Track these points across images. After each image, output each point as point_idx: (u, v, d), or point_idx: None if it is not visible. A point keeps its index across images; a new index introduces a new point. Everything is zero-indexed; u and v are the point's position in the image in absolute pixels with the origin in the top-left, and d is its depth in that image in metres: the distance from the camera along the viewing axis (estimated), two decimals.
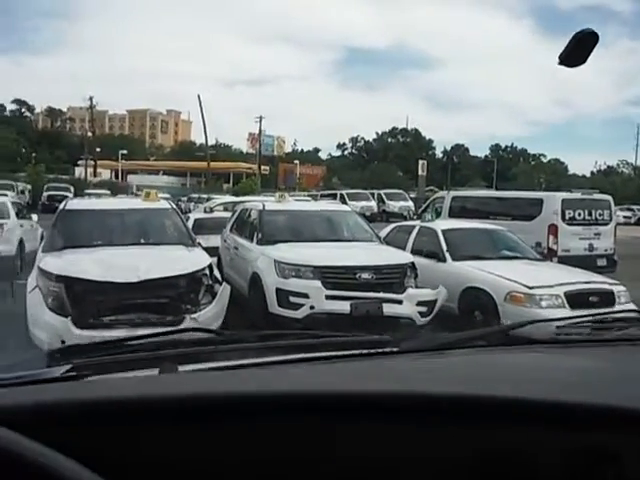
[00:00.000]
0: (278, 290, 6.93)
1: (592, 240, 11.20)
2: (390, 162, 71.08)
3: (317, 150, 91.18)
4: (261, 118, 62.04)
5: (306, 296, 6.80)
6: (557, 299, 6.97)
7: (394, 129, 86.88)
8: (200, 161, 59.47)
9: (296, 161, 64.69)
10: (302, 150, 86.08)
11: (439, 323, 7.10)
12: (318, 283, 6.85)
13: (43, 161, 47.87)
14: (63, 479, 0.67)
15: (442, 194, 15.32)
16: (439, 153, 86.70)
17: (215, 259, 8.53)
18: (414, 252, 8.50)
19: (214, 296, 6.27)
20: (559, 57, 1.63)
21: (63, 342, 5.24)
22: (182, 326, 5.70)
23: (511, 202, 12.60)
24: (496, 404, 0.99)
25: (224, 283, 6.67)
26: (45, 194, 33.84)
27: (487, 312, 7.32)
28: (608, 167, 75.98)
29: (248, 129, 75.20)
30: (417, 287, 7.31)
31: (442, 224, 9.62)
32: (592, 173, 75.35)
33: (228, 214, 11.45)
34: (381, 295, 6.91)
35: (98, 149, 57.90)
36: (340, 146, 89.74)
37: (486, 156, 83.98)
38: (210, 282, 6.42)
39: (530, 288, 7.08)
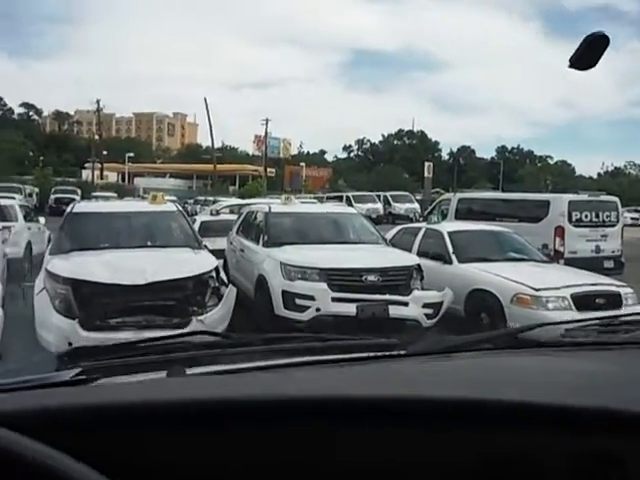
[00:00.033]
0: (284, 292, 6.95)
1: (599, 242, 11.16)
2: (396, 164, 71.01)
3: (323, 152, 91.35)
4: (267, 120, 62.17)
5: (312, 298, 6.80)
6: (564, 301, 6.94)
7: (400, 131, 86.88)
8: (206, 164, 59.68)
9: (302, 163, 64.74)
10: (308, 152, 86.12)
11: (445, 325, 7.10)
12: (324, 285, 6.86)
13: (50, 164, 48.18)
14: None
15: (448, 196, 15.31)
16: (445, 155, 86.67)
17: (221, 261, 8.55)
18: (420, 254, 8.49)
19: (220, 298, 6.29)
20: (569, 60, 1.63)
21: (70, 344, 5.27)
22: (189, 328, 5.73)
23: (518, 204, 12.56)
24: (502, 408, 0.99)
25: (230, 285, 6.68)
26: (52, 197, 34.01)
27: (493, 314, 7.30)
28: (615, 168, 75.72)
29: (254, 131, 75.42)
30: (423, 289, 7.31)
31: (448, 226, 9.61)
32: (599, 175, 75.06)
33: (234, 216, 11.47)
34: (387, 297, 6.91)
35: (105, 152, 58.17)
36: (346, 148, 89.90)
37: (492, 158, 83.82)
38: (216, 284, 6.44)
39: (536, 290, 7.06)
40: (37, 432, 0.73)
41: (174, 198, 22.63)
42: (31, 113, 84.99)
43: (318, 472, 0.93)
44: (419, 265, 7.52)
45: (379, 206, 32.63)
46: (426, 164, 43.98)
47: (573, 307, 6.89)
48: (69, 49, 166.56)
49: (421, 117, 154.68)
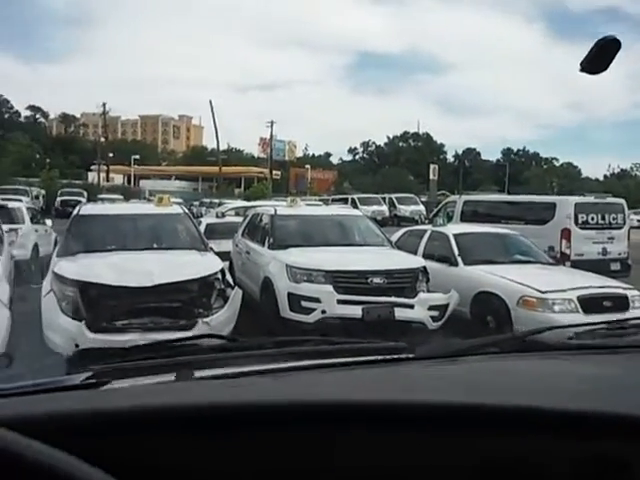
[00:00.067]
0: (290, 294, 6.95)
1: (605, 244, 11.12)
2: (401, 166, 70.94)
3: (328, 155, 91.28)
4: (272, 123, 62.21)
5: (318, 300, 6.80)
6: (570, 304, 6.92)
7: (405, 133, 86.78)
8: (212, 166, 59.79)
9: (307, 166, 64.78)
10: (313, 155, 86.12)
11: (451, 328, 7.08)
12: (330, 287, 6.86)
13: (57, 166, 48.30)
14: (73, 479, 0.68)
15: (454, 198, 15.29)
16: (450, 157, 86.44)
17: (227, 263, 8.56)
18: (426, 256, 8.48)
19: (226, 300, 6.30)
20: (580, 64, 1.63)
21: (77, 346, 5.30)
22: (194, 330, 5.75)
23: (523, 206, 12.53)
24: (507, 413, 0.99)
25: (236, 287, 6.69)
26: (58, 199, 34.12)
27: (499, 317, 7.29)
28: (622, 170, 75.34)
29: (259, 134, 75.60)
30: (429, 291, 7.30)
31: (454, 228, 9.60)
32: (605, 177, 74.80)
33: (240, 219, 11.50)
34: (393, 299, 6.91)
35: (111, 154, 58.35)
36: (351, 150, 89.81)
37: (498, 160, 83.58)
38: (222, 286, 6.45)
39: (543, 292, 7.04)
40: (48, 437, 0.73)
41: (180, 200, 22.69)
42: (38, 116, 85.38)
43: (326, 477, 0.93)
44: (425, 267, 7.51)
45: (384, 208, 32.61)
46: (431, 166, 43.85)
47: (580, 310, 6.87)
48: (75, 52, 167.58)
49: (426, 119, 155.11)
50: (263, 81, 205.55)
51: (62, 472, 0.68)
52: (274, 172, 60.58)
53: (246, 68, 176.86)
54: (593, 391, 1.12)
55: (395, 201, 34.73)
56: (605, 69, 1.62)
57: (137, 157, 60.67)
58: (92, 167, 57.13)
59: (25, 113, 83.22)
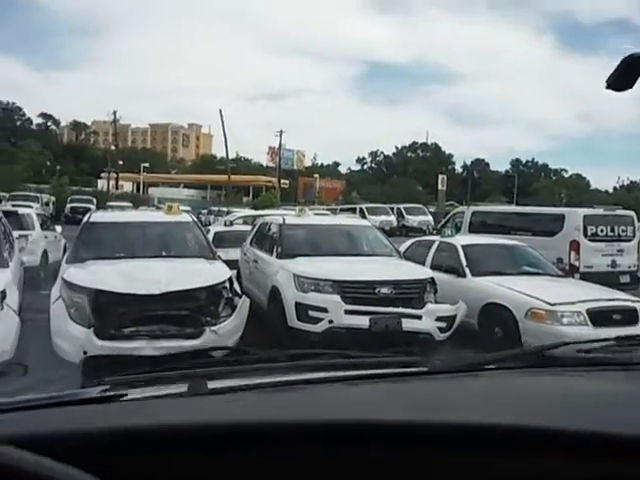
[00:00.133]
0: (297, 304, 6.95)
1: (615, 256, 11.06)
2: (410, 176, 70.95)
3: (337, 164, 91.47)
4: (281, 132, 62.43)
5: (325, 310, 6.80)
6: (579, 316, 6.88)
7: (414, 143, 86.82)
8: (220, 174, 60.00)
9: (316, 175, 64.90)
10: (322, 164, 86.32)
11: (458, 339, 7.05)
12: (337, 297, 6.85)
13: (67, 173, 48.69)
14: None
15: (462, 209, 15.28)
16: (459, 168, 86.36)
17: (234, 272, 8.58)
18: (433, 267, 8.47)
19: (234, 309, 6.30)
20: (606, 81, 1.63)
21: (85, 352, 5.33)
22: (202, 338, 5.77)
23: (532, 217, 12.50)
24: (522, 433, 0.99)
25: (244, 296, 6.70)
26: (68, 206, 34.35)
27: (507, 328, 7.25)
28: (631, 182, 74.82)
29: (268, 143, 75.90)
30: (436, 302, 7.28)
31: (462, 239, 9.58)
32: (615, 188, 74.35)
33: (248, 227, 11.53)
34: (400, 310, 6.89)
35: (121, 162, 58.72)
36: (360, 160, 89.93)
37: (507, 171, 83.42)
38: (230, 295, 6.46)
39: (551, 305, 7.00)
40: (63, 453, 0.74)
41: (188, 208, 22.79)
42: (49, 123, 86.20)
43: None
44: (432, 278, 7.49)
45: (392, 218, 32.60)
46: (440, 177, 43.80)
47: (589, 322, 6.82)
48: (87, 60, 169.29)
49: (435, 130, 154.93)
50: (272, 90, 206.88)
51: None
52: (282, 181, 60.74)
53: (256, 77, 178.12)
54: (609, 411, 1.11)
55: (403, 211, 34.71)
56: (631, 86, 1.62)
57: (146, 165, 61.02)
58: (102, 174, 57.51)
59: (37, 121, 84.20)
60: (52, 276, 8.43)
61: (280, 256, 8.09)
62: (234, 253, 9.98)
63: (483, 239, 9.94)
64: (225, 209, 30.42)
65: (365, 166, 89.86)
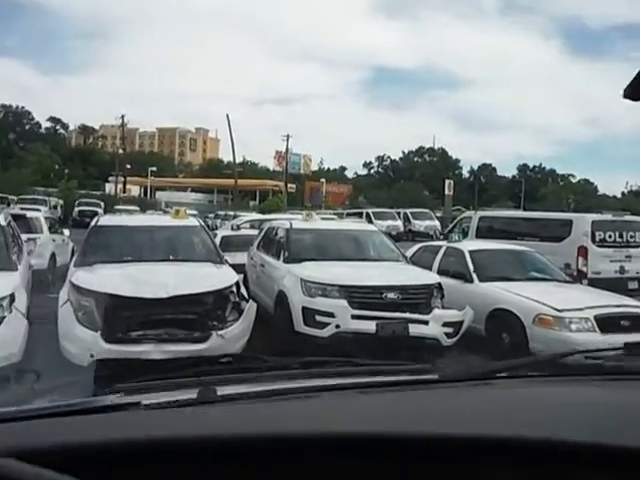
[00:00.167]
0: (304, 309, 6.95)
1: (623, 262, 10.98)
2: (416, 181, 70.94)
3: (343, 168, 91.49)
4: (288, 136, 62.66)
5: (332, 315, 6.80)
6: (587, 322, 6.84)
7: (421, 148, 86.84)
8: (227, 178, 60.19)
9: (322, 179, 64.93)
10: (328, 168, 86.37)
11: (465, 345, 7.03)
12: (344, 302, 6.85)
13: (75, 177, 48.92)
14: None
15: (469, 214, 15.23)
16: (466, 173, 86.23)
17: (241, 276, 8.59)
18: (440, 272, 8.46)
19: (241, 313, 6.31)
20: (624, 91, 1.63)
21: (92, 356, 5.34)
22: (209, 342, 5.78)
23: (539, 223, 12.45)
24: (525, 446, 0.98)
25: (250, 300, 6.71)
26: (76, 209, 34.48)
27: (514, 334, 7.22)
28: None
29: (275, 147, 75.92)
30: (444, 308, 7.26)
31: (469, 245, 9.57)
32: (623, 194, 74.13)
33: (254, 232, 11.55)
34: (407, 315, 6.88)
35: (128, 166, 59.00)
36: (366, 165, 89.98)
37: (514, 176, 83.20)
38: (237, 299, 6.47)
39: (559, 311, 6.97)
40: (72, 466, 0.74)
41: (195, 212, 22.86)
42: (58, 127, 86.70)
43: None
44: (440, 283, 7.48)
45: (399, 223, 32.57)
46: (447, 181, 43.81)
47: (597, 329, 6.79)
48: (95, 65, 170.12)
49: (442, 134, 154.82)
50: (279, 95, 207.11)
51: None
52: (289, 185, 60.87)
53: (262, 82, 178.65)
54: (629, 423, 1.10)
55: (410, 216, 34.67)
56: None
57: (154, 169, 61.29)
58: (110, 178, 57.80)
59: (46, 124, 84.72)
60: (60, 279, 8.47)
61: (287, 260, 8.10)
62: (241, 257, 10.00)
63: (490, 244, 9.91)
64: (232, 213, 30.49)
65: (372, 171, 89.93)
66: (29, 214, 13.54)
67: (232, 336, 5.98)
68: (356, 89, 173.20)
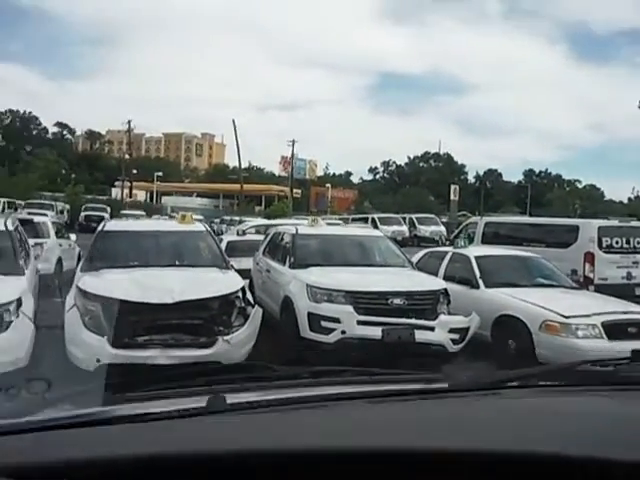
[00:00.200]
0: (310, 314, 6.94)
1: (630, 268, 10.93)
2: (422, 186, 70.86)
3: (349, 174, 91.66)
4: (294, 142, 62.86)
5: (338, 321, 6.79)
6: (594, 329, 6.80)
7: (426, 153, 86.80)
8: (233, 183, 60.33)
9: (328, 184, 65.02)
10: (334, 173, 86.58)
11: (472, 351, 7.01)
12: (350, 308, 6.84)
13: (82, 182, 49.20)
14: None
15: (475, 219, 15.21)
16: (471, 178, 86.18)
17: (247, 281, 8.60)
18: (446, 278, 8.44)
19: (246, 319, 6.31)
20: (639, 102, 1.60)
21: (98, 361, 5.35)
22: (214, 348, 5.78)
23: (546, 229, 12.40)
24: (535, 461, 0.97)
25: (256, 306, 6.71)
26: (82, 214, 34.63)
27: (521, 341, 7.19)
28: None
29: (280, 152, 76.07)
30: (450, 314, 7.24)
31: (475, 250, 9.54)
32: (629, 199, 73.76)
33: (260, 237, 11.56)
34: (413, 321, 6.86)
35: (135, 171, 59.24)
36: (372, 170, 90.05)
37: (519, 181, 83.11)
38: (243, 305, 6.48)
39: (566, 317, 6.93)
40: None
41: (201, 217, 22.91)
42: (65, 132, 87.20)
43: None
44: (446, 289, 7.46)
45: (404, 228, 32.53)
46: (452, 187, 43.82)
47: (604, 335, 6.75)
48: (101, 70, 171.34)
49: (447, 140, 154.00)
50: (285, 100, 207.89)
51: None
52: (295, 190, 60.95)
53: (268, 87, 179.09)
54: (636, 436, 1.09)
55: (415, 221, 34.65)
56: None
57: (160, 174, 61.50)
58: (116, 183, 58.04)
59: (53, 130, 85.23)
60: (67, 284, 8.50)
61: (293, 266, 8.10)
62: (247, 262, 10.02)
63: (496, 250, 9.89)
64: (237, 218, 30.52)
65: (377, 176, 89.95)
66: (36, 219, 13.62)
67: (238, 341, 5.98)
68: (362, 94, 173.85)
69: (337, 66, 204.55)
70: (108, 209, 36.87)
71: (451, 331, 6.94)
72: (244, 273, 8.21)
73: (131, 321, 5.87)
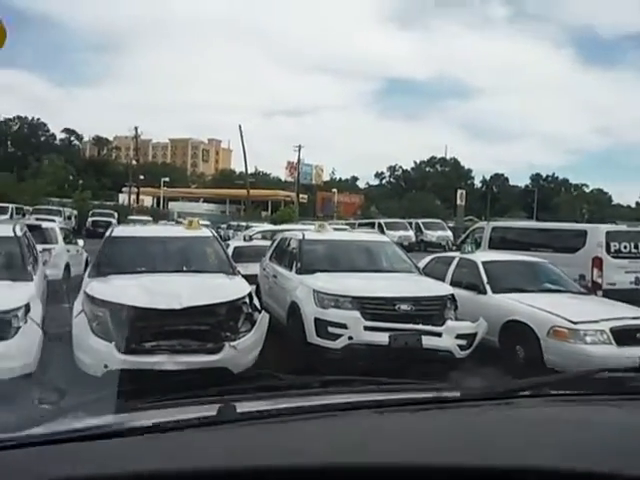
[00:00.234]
0: (317, 320, 6.93)
1: (639, 273, 10.87)
2: (428, 191, 70.84)
3: (355, 179, 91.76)
4: (300, 147, 62.85)
5: (344, 326, 6.77)
6: (602, 335, 6.75)
7: (432, 158, 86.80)
8: (239, 189, 60.48)
9: (334, 190, 65.07)
10: (340, 179, 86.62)
11: (479, 357, 6.97)
12: (357, 314, 6.83)
13: (89, 188, 49.39)
14: None
15: (482, 224, 15.17)
16: (478, 183, 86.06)
17: (254, 287, 8.60)
18: (453, 284, 8.41)
19: (253, 324, 6.31)
20: None
21: (106, 366, 5.36)
22: (221, 353, 5.78)
23: (553, 234, 12.37)
24: (547, 476, 0.96)
25: (263, 311, 6.70)
26: (90, 220, 34.79)
27: (529, 347, 7.15)
28: None
29: (287, 157, 76.44)
30: (457, 319, 7.21)
31: (482, 256, 9.51)
32: (637, 203, 73.51)
33: (267, 242, 11.57)
34: (420, 327, 6.84)
35: (142, 176, 59.49)
36: (378, 175, 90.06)
37: (526, 186, 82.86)
38: (249, 310, 6.48)
39: (574, 323, 6.89)
40: None
41: (208, 222, 22.95)
42: (72, 138, 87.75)
43: None
44: (453, 295, 7.44)
45: (411, 234, 32.46)
46: (459, 191, 43.67)
47: (613, 341, 6.70)
48: (109, 77, 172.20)
49: (454, 144, 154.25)
50: (291, 106, 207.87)
51: None
52: (301, 196, 60.96)
53: (274, 93, 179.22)
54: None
55: (422, 226, 34.57)
56: None
57: (167, 179, 61.75)
58: (123, 189, 58.29)
59: (60, 136, 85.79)
60: (74, 290, 8.52)
61: (300, 271, 8.10)
62: (253, 268, 10.03)
63: (504, 255, 9.84)
64: (244, 224, 30.57)
65: (384, 181, 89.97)
66: (44, 225, 13.69)
67: (245, 347, 5.98)
68: (368, 99, 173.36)
69: (343, 71, 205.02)
70: (115, 215, 36.99)
71: (458, 337, 6.91)
72: (251, 279, 8.21)
73: (139, 327, 5.88)
